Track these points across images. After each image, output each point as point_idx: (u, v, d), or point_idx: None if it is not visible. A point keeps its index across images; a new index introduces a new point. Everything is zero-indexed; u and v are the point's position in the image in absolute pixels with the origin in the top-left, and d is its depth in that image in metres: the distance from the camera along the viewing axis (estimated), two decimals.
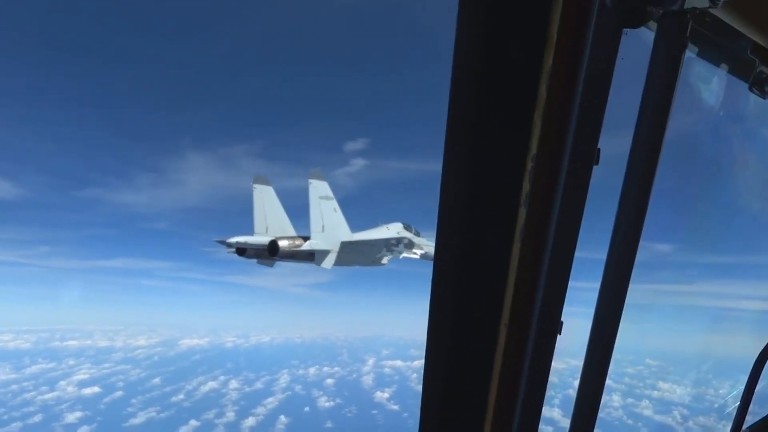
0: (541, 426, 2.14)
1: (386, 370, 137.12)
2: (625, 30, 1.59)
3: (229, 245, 29.96)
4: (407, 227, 32.05)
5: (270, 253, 28.16)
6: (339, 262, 29.14)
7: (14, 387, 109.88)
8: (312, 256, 28.80)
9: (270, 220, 30.00)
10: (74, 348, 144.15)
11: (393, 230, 31.47)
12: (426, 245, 31.29)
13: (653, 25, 1.67)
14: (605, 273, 1.93)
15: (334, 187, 29.72)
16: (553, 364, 2.04)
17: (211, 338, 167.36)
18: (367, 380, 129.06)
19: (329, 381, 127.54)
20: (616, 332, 2.04)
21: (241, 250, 29.05)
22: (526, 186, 1.69)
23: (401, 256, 30.98)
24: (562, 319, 1.92)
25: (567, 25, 1.54)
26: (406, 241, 30.02)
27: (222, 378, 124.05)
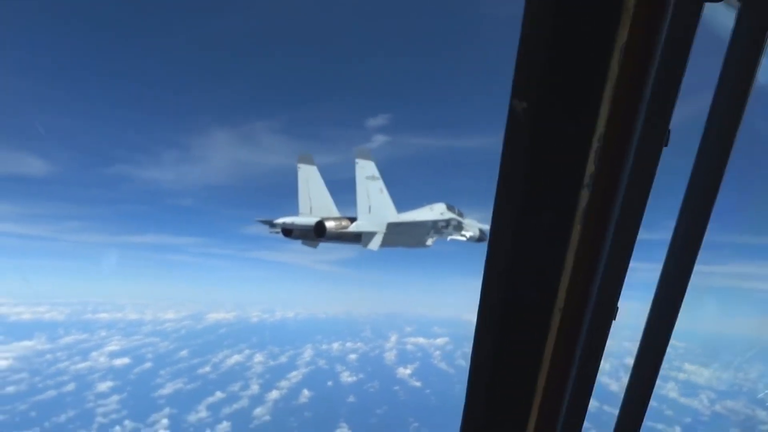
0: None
1: (409, 347, 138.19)
2: (706, 4, 1.50)
3: (273, 225, 29.47)
4: (450, 208, 31.05)
5: (316, 234, 27.40)
6: (385, 243, 28.33)
7: (49, 357, 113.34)
8: (358, 238, 27.96)
9: (314, 200, 29.27)
10: (106, 320, 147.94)
11: (436, 211, 30.45)
12: (473, 227, 30.39)
13: (736, 0, 1.56)
14: (668, 259, 1.87)
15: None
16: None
17: (237, 313, 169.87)
18: (390, 356, 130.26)
19: (352, 356, 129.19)
20: (676, 319, 1.98)
21: (287, 231, 28.39)
22: (591, 167, 1.59)
23: (449, 239, 30.30)
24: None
25: None
26: (455, 222, 29.09)
27: (247, 352, 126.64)
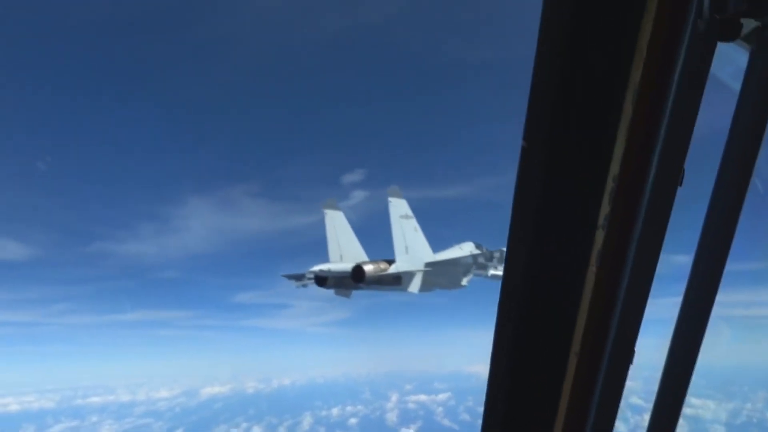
0: None
1: (410, 405, 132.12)
2: (719, 44, 1.44)
3: (299, 279, 27.40)
4: (478, 246, 29.20)
5: (354, 279, 25.19)
6: (423, 285, 26.24)
7: None
8: (398, 280, 25.71)
9: (344, 246, 27.21)
10: (97, 404, 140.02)
11: (466, 249, 28.66)
12: None
13: (751, 39, 1.51)
14: (686, 297, 1.76)
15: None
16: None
17: (233, 385, 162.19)
18: (392, 417, 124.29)
19: (353, 420, 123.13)
20: (696, 357, 1.90)
21: (321, 280, 26.11)
22: (606, 207, 1.58)
23: (489, 274, 28.12)
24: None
25: (658, 36, 1.40)
26: (498, 254, 27.07)
27: (244, 425, 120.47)
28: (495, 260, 26.95)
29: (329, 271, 25.74)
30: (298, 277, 28.05)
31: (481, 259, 27.01)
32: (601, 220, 1.59)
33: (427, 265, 26.31)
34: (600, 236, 1.60)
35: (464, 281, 28.05)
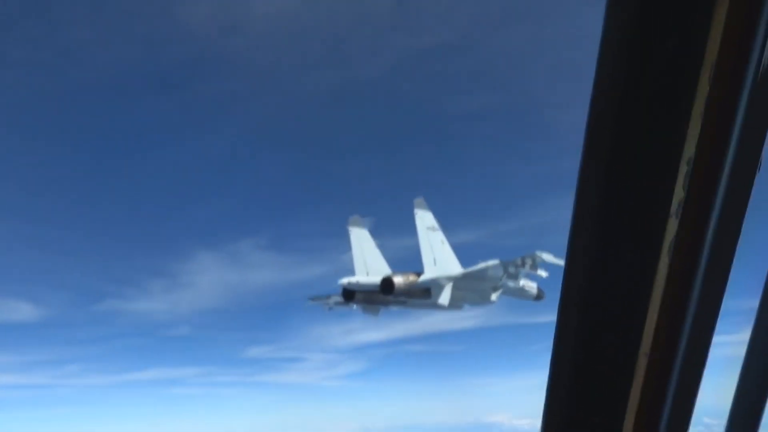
0: None
1: None
2: None
3: (318, 299, 26.89)
4: (504, 263, 28.52)
5: (383, 291, 24.59)
6: (453, 298, 25.45)
7: None
8: (427, 293, 25.10)
9: (369, 263, 26.78)
10: None
11: (491, 265, 27.96)
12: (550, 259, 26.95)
13: None
14: (762, 304, 1.63)
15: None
16: None
17: None
18: None
19: None
20: None
21: (349, 295, 25.54)
22: (680, 193, 1.45)
23: (521, 285, 27.05)
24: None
25: (737, 7, 1.30)
26: (530, 261, 26.10)
27: None
28: (527, 266, 26.01)
29: (357, 284, 25.12)
30: (325, 298, 27.53)
31: (511, 269, 26.11)
32: (674, 207, 1.45)
33: (458, 275, 25.61)
34: (673, 225, 1.47)
35: (493, 296, 27.12)
